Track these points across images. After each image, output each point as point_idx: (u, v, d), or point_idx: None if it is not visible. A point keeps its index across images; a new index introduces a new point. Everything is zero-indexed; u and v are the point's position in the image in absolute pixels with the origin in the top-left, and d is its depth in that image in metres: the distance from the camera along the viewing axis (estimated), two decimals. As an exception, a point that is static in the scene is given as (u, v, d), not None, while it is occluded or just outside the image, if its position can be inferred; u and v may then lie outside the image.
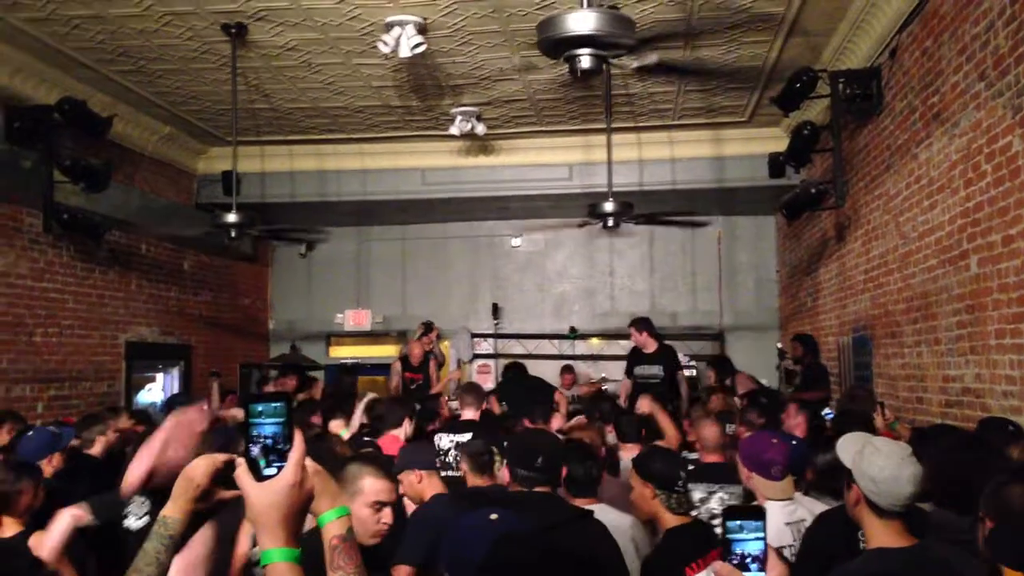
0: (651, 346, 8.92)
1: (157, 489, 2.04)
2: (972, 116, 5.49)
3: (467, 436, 5.67)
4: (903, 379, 6.92)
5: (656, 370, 8.72)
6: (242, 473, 1.57)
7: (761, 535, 1.59)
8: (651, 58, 6.95)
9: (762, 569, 1.58)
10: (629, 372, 8.99)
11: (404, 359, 10.15)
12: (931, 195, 6.23)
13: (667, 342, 9.25)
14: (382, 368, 11.67)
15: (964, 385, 5.70)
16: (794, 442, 3.98)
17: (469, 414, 6.48)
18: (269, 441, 1.56)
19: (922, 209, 6.42)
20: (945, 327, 6.00)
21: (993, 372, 5.26)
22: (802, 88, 7.62)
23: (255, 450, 1.56)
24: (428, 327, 10.80)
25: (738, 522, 1.60)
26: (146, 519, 2.99)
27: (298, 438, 1.59)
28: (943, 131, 5.98)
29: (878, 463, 2.53)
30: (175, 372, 10.61)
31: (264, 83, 8.48)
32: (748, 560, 1.58)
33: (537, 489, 3.23)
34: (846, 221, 8.48)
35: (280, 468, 1.56)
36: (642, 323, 9.04)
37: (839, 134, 7.79)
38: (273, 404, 1.57)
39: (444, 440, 6.05)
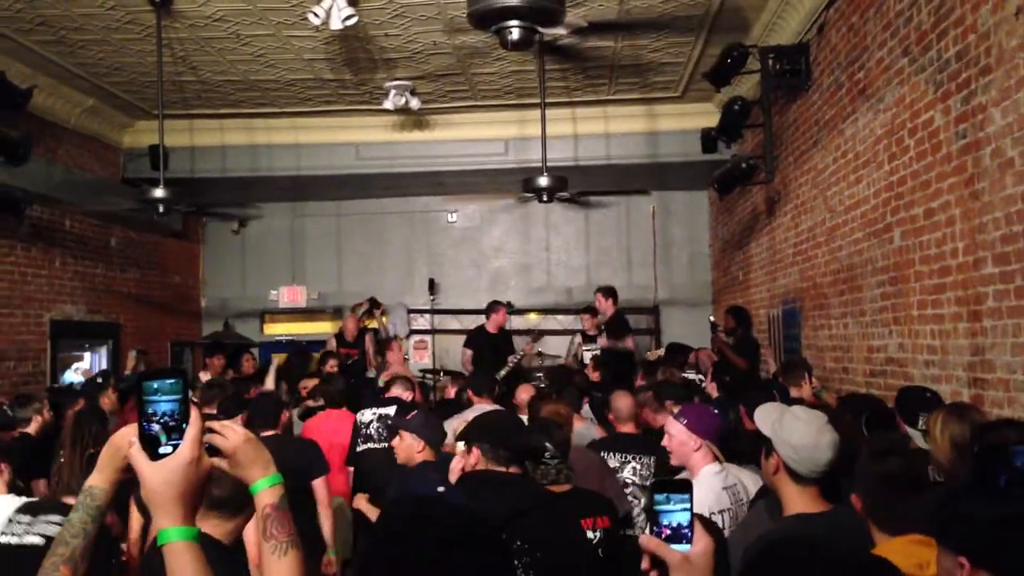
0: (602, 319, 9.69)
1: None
2: (896, 91, 5.60)
3: (391, 409, 5.69)
4: (830, 350, 7.07)
5: (600, 342, 9.41)
6: (135, 451, 1.54)
7: (687, 507, 1.59)
8: (580, 23, 6.94)
9: (689, 541, 1.58)
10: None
11: (339, 335, 10.09)
12: (857, 169, 6.35)
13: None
14: (318, 345, 11.57)
15: (888, 355, 5.85)
16: (716, 411, 4.06)
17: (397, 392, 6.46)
18: (167, 419, 1.54)
19: (848, 183, 6.54)
20: (870, 299, 6.14)
21: (915, 342, 5.40)
22: (733, 63, 7.69)
23: (154, 428, 1.53)
24: (374, 303, 10.70)
25: (665, 494, 1.60)
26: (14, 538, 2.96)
27: (195, 415, 1.56)
28: (868, 106, 6.09)
29: (798, 431, 2.58)
30: (103, 351, 10.38)
31: (191, 55, 8.26)
32: (674, 532, 1.59)
33: (511, 470, 3.26)
34: (776, 196, 8.60)
35: (176, 446, 1.53)
36: (610, 291, 9.86)
37: (769, 109, 7.89)
38: (168, 381, 1.55)
39: (367, 413, 6.03)
